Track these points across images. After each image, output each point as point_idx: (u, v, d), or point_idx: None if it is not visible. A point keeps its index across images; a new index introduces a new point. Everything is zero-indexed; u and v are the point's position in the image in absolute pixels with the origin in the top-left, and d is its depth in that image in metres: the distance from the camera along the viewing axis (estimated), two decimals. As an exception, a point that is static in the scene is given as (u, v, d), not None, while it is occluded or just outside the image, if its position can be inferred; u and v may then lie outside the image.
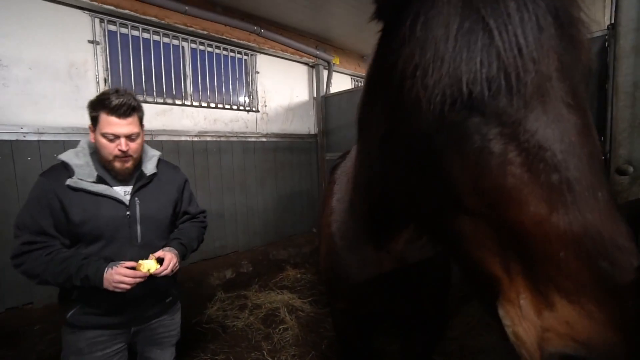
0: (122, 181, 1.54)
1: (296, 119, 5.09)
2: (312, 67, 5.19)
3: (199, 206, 1.94)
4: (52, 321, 2.78)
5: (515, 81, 0.56)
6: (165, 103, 3.62)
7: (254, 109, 4.48)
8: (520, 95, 0.57)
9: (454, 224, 0.68)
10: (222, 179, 4.10)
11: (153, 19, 3.39)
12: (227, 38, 4.04)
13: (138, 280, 1.40)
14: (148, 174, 1.60)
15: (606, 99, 1.14)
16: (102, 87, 3.14)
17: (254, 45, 4.31)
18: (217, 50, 4.09)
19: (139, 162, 1.59)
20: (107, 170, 1.51)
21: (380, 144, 0.87)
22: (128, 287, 1.38)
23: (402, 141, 0.76)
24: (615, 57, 0.83)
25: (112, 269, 1.38)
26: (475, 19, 0.59)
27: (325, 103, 5.05)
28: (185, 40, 3.79)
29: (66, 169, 1.44)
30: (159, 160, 1.71)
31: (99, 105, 1.43)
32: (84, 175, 1.45)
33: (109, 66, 3.20)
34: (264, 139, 4.55)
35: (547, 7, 0.59)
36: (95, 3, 3.02)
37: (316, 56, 5.01)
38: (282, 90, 4.85)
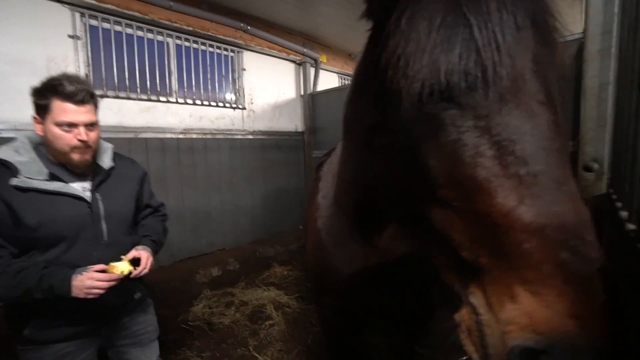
0: (79, 176, 1.42)
1: (283, 117, 5.08)
2: (299, 64, 5.19)
3: (157, 199, 1.83)
4: None
5: (491, 75, 0.59)
6: (150, 100, 3.57)
7: (240, 106, 4.46)
8: (494, 89, 0.59)
9: (430, 216, 0.70)
10: (209, 176, 4.07)
11: (136, 14, 3.33)
12: (213, 35, 4.00)
13: (112, 283, 1.31)
14: (106, 168, 1.50)
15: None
16: (84, 83, 3.07)
17: (240, 42, 4.28)
18: (203, 47, 4.04)
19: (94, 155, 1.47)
20: (59, 165, 1.38)
21: (366, 138, 0.90)
22: (102, 292, 1.29)
23: (385, 134, 0.79)
24: (584, 60, 0.88)
25: (81, 274, 1.28)
26: (457, 14, 0.62)
27: (312, 101, 5.06)
28: (170, 36, 3.73)
29: (7, 168, 1.29)
30: (114, 153, 1.60)
31: (50, 92, 1.29)
32: (32, 173, 1.30)
33: (90, 62, 3.13)
34: (250, 137, 4.53)
35: (526, 11, 0.62)
36: (76, -4, 2.95)
37: (303, 54, 5.02)
38: (269, 87, 4.84)
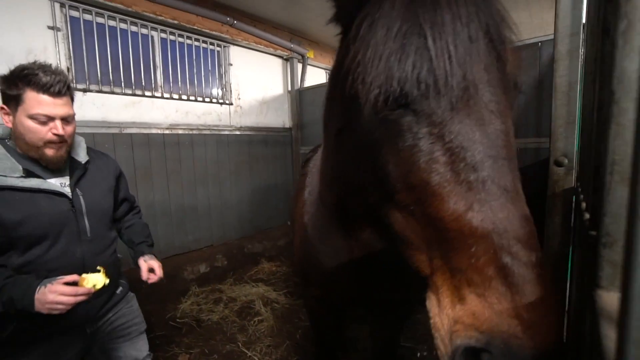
0: (54, 172, 1.35)
1: (270, 112, 5.07)
2: (287, 60, 5.17)
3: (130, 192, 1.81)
4: None
5: (443, 84, 0.62)
6: (134, 94, 3.50)
7: (227, 102, 4.42)
8: (447, 98, 0.62)
9: (391, 219, 0.73)
10: (195, 172, 4.03)
11: (119, 6, 3.25)
12: (199, 28, 3.94)
13: (80, 299, 1.18)
14: (82, 162, 1.44)
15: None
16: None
17: (226, 36, 4.23)
18: (189, 41, 3.98)
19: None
20: (31, 160, 1.29)
21: (335, 140, 0.93)
22: (66, 308, 1.16)
23: (350, 137, 0.82)
24: (555, 60, 0.93)
25: (45, 286, 1.15)
26: (414, 24, 0.64)
27: (299, 96, 5.06)
28: (155, 29, 3.66)
29: None
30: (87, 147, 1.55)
31: (22, 82, 1.19)
32: (5, 170, 1.21)
33: (72, 54, 3.05)
34: (237, 132, 4.51)
35: (480, 23, 0.65)
36: (55, -13, 2.86)
37: (290, 49, 5.00)
38: (256, 83, 4.81)
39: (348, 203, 1.01)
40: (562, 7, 0.90)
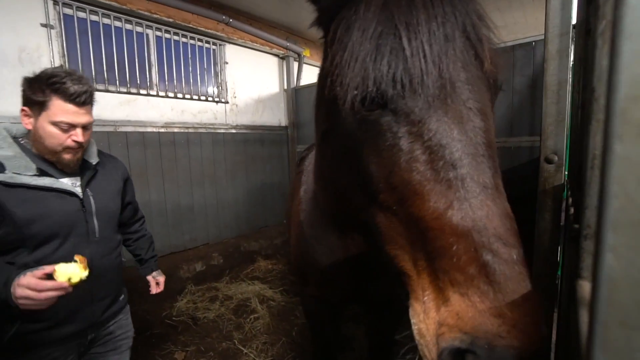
0: (67, 173, 1.37)
1: (266, 111, 5.07)
2: (283, 58, 5.17)
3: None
4: None
5: (419, 84, 0.62)
6: (130, 93, 3.49)
7: (223, 100, 4.41)
8: (423, 96, 0.62)
9: (376, 220, 0.73)
10: (191, 171, 4.02)
11: (114, 3, 3.23)
12: (195, 27, 3.93)
13: (50, 295, 1.07)
14: (93, 164, 1.46)
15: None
16: (59, 74, 2.97)
17: (222, 35, 4.22)
18: (184, 39, 3.97)
19: None
20: (44, 160, 1.31)
21: (322, 142, 0.93)
22: (36, 304, 1.06)
23: (334, 139, 0.82)
24: (545, 59, 0.95)
25: (19, 277, 1.08)
26: (389, 25, 0.65)
27: (295, 95, 5.06)
28: (150, 27, 3.64)
29: None
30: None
31: (51, 89, 1.21)
32: (19, 168, 1.22)
33: (65, 52, 3.03)
34: (233, 131, 4.50)
35: (456, 22, 0.65)
36: (49, -16, 2.84)
37: (286, 48, 5.00)
38: (252, 81, 4.80)
39: (338, 204, 1.01)
40: (552, 8, 0.91)
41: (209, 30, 4.08)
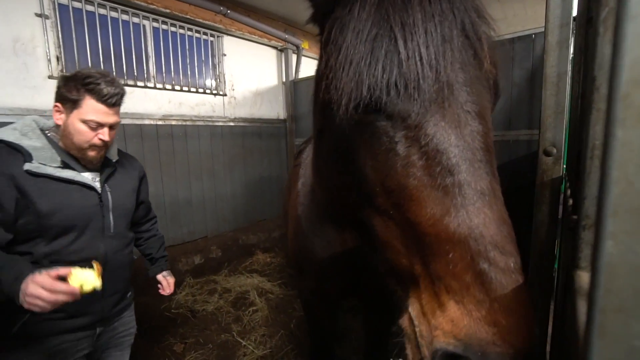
0: (88, 168, 1.42)
1: (265, 104, 5.03)
2: (281, 51, 5.13)
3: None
4: None
5: (414, 87, 0.60)
6: (126, 84, 3.45)
7: (221, 93, 4.38)
8: (419, 100, 0.60)
9: (372, 222, 0.72)
10: (189, 164, 4.01)
11: (109, -7, 3.19)
12: (192, 18, 3.88)
13: (60, 298, 1.06)
14: (113, 161, 1.53)
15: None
16: (55, 65, 2.93)
17: (220, 26, 4.17)
18: (182, 31, 3.92)
19: None
20: (68, 154, 1.37)
21: (318, 139, 0.92)
22: (45, 306, 1.05)
23: (330, 139, 0.81)
24: (545, 51, 0.94)
25: (33, 275, 1.07)
26: (384, 27, 0.62)
27: (294, 88, 5.03)
28: (147, 18, 3.59)
29: (19, 152, 1.25)
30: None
31: (85, 88, 1.28)
32: (46, 159, 1.28)
33: (61, 43, 2.98)
34: (231, 124, 4.48)
35: (455, 21, 0.63)
36: (43, -27, 2.79)
37: (285, 40, 4.95)
38: (250, 74, 4.76)
39: (335, 200, 1.00)
40: (553, -1, 0.90)
41: (207, 22, 4.03)
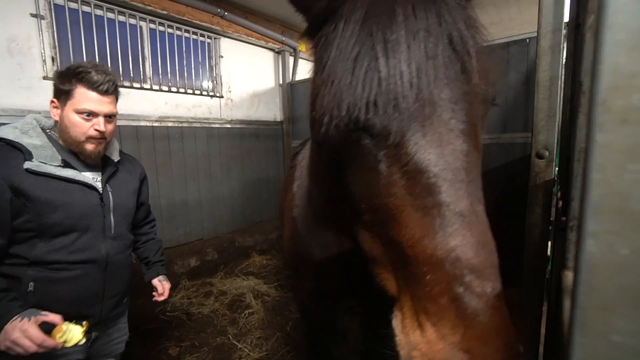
0: (89, 166, 1.40)
1: (262, 106, 5.04)
2: (278, 53, 5.14)
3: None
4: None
5: (394, 106, 0.59)
6: (123, 86, 3.44)
7: (217, 95, 4.38)
8: (399, 120, 0.59)
9: (361, 237, 0.73)
10: (186, 165, 4.00)
11: (106, -6, 3.18)
12: (189, 19, 3.88)
13: (39, 351, 1.06)
14: (115, 161, 1.51)
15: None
16: (50, 66, 2.92)
17: (217, 28, 4.18)
18: (179, 32, 3.92)
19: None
20: (70, 152, 1.35)
21: (314, 147, 0.92)
22: (23, 353, 1.04)
23: (322, 151, 0.81)
24: (537, 56, 0.96)
25: (22, 319, 1.07)
26: (366, 44, 0.61)
27: (291, 90, 5.04)
28: (144, 19, 3.59)
29: (19, 151, 1.24)
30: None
31: (76, 78, 1.27)
32: (46, 158, 1.27)
33: (57, 43, 2.97)
34: (228, 125, 4.48)
35: (441, 35, 0.61)
36: (39, -27, 2.78)
37: (282, 42, 4.97)
38: (247, 75, 4.77)
39: (330, 207, 1.00)
40: (545, 4, 0.92)
41: (204, 24, 4.03)
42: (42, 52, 2.89)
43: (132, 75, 3.51)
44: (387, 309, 1.93)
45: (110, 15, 3.32)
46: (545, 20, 0.92)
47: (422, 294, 0.55)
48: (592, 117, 0.21)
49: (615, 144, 0.20)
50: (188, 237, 4.06)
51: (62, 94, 1.29)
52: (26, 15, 2.81)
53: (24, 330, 1.04)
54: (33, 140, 1.28)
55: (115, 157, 1.52)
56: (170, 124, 3.83)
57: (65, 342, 1.10)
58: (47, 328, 1.11)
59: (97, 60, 3.21)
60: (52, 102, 1.32)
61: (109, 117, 1.36)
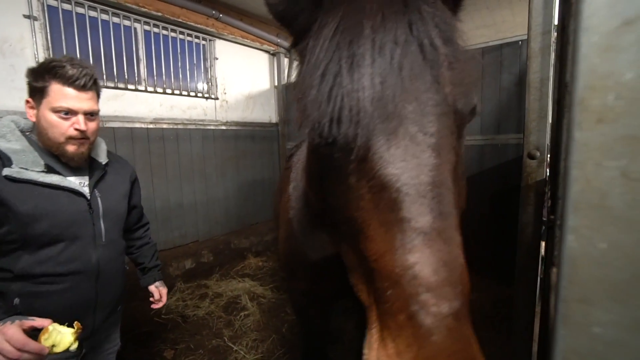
0: (74, 170, 1.30)
1: (257, 107, 5.04)
2: (273, 55, 5.15)
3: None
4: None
5: (355, 122, 0.58)
6: (117, 87, 3.43)
7: (213, 96, 4.37)
8: (363, 135, 0.59)
9: (340, 244, 0.73)
10: (181, 167, 3.98)
11: (100, -4, 3.17)
12: (184, 21, 3.88)
13: (24, 357, 0.95)
14: (103, 163, 1.41)
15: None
16: (43, 68, 2.90)
17: (212, 30, 4.18)
18: (173, 34, 3.91)
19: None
20: (52, 156, 1.25)
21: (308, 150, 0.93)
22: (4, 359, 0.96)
23: (309, 155, 0.82)
24: (528, 57, 0.97)
25: (4, 324, 0.99)
26: (333, 60, 0.61)
27: (286, 92, 5.05)
28: (138, 21, 3.58)
29: None
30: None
31: (49, 74, 1.17)
32: (27, 163, 1.17)
33: (50, 45, 2.95)
34: (223, 127, 4.47)
35: (410, 46, 0.60)
36: (32, -26, 2.76)
37: (277, 44, 4.97)
38: (242, 77, 4.77)
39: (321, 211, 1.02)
40: (535, 7, 0.94)
41: (199, 25, 4.03)
42: (35, 53, 2.87)
43: (126, 76, 3.49)
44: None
45: (104, 16, 3.31)
46: (535, 22, 0.94)
47: (384, 308, 0.55)
48: (571, 116, 0.22)
49: (592, 142, 0.21)
50: (183, 239, 4.04)
51: (36, 92, 1.19)
52: (19, 17, 2.79)
53: (4, 333, 0.95)
54: (12, 144, 1.18)
55: (103, 159, 1.42)
56: (165, 126, 3.81)
57: (53, 346, 0.98)
58: (35, 334, 1.01)
59: (92, 62, 3.19)
60: (27, 102, 1.22)
61: (90, 115, 1.26)
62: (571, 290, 0.23)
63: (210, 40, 4.31)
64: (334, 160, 0.65)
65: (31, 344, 0.96)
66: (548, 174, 1.03)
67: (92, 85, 1.25)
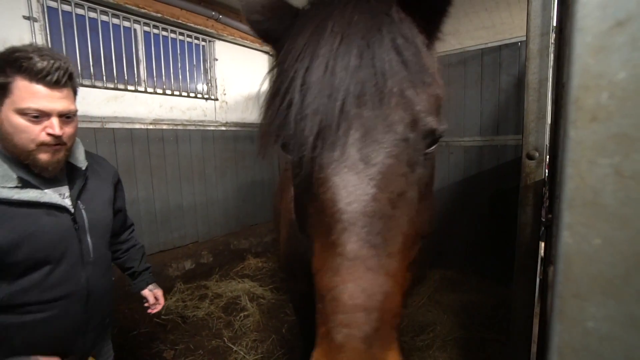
0: (51, 181, 1.11)
1: (256, 108, 5.04)
2: (273, 56, 5.15)
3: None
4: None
5: (301, 133, 0.60)
6: (117, 88, 3.43)
7: (212, 97, 4.38)
8: (309, 159, 0.60)
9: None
10: (180, 168, 3.99)
11: (100, -3, 3.18)
12: (184, 22, 3.89)
13: None
14: (83, 169, 1.22)
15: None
16: (43, 69, 2.91)
17: (212, 31, 4.19)
18: (173, 35, 3.92)
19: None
20: (25, 166, 1.05)
21: None
22: None
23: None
24: (527, 58, 0.98)
25: None
26: (291, 79, 0.63)
27: (286, 93, 5.06)
28: (138, 22, 3.59)
29: None
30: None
31: (12, 67, 0.94)
32: None
33: (49, 46, 2.96)
34: (223, 128, 4.47)
35: (364, 69, 0.59)
36: (32, -24, 2.77)
37: (277, 45, 4.99)
38: (242, 78, 4.78)
39: None
40: (533, 8, 0.94)
41: (199, 26, 4.04)
42: (35, 54, 2.87)
43: (126, 77, 3.50)
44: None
45: (104, 17, 3.31)
46: (533, 24, 0.95)
47: (317, 317, 0.58)
48: (566, 115, 0.22)
49: (586, 140, 0.22)
50: (183, 240, 4.04)
51: None
52: (19, 18, 2.80)
53: None
54: None
55: (82, 164, 1.22)
56: (164, 127, 3.82)
57: None
58: None
59: (91, 63, 3.20)
60: None
61: (66, 117, 1.05)
62: (566, 286, 0.23)
63: (210, 41, 4.32)
64: (299, 166, 0.66)
65: None
66: (547, 174, 1.03)
67: (67, 81, 1.03)
